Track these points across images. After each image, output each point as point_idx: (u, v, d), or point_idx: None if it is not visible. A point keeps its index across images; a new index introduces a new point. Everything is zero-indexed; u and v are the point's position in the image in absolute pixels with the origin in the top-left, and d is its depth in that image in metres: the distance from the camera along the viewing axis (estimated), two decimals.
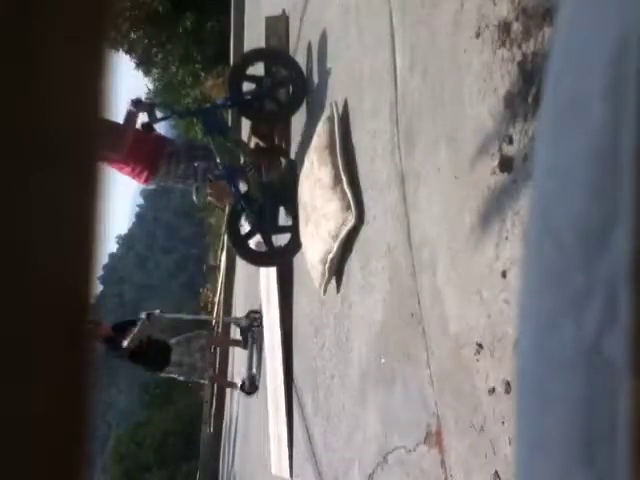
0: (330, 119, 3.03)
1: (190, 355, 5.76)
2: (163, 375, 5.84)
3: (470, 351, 1.59)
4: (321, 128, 3.07)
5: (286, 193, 3.90)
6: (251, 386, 6.11)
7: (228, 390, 9.62)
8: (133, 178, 4.11)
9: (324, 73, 3.70)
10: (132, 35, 13.51)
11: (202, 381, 6.26)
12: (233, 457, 8.07)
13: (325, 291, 3.09)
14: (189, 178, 4.16)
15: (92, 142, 0.21)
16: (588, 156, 0.23)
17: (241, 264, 8.69)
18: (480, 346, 1.54)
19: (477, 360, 1.56)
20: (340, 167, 2.81)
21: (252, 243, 4.28)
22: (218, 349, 7.45)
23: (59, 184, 0.21)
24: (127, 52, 14.38)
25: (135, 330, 5.44)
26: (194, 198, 4.18)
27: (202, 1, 12.75)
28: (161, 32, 13.41)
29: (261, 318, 5.74)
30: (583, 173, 0.23)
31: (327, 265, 2.92)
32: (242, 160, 4.09)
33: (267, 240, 4.11)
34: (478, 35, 1.66)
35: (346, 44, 3.17)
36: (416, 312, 2.00)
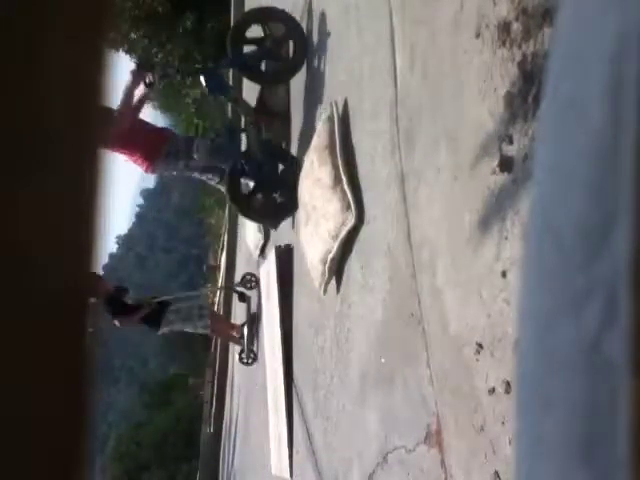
0: (330, 119, 3.03)
1: (189, 309, 5.82)
2: (164, 329, 5.82)
3: (470, 351, 1.59)
4: (321, 128, 3.07)
5: (284, 151, 4.04)
6: (250, 354, 6.20)
7: (228, 390, 9.61)
8: (138, 166, 4.17)
9: (324, 73, 3.70)
10: (132, 35, 13.50)
11: (202, 331, 6.21)
12: (233, 457, 8.07)
13: (325, 291, 3.09)
14: (208, 172, 4.25)
15: (92, 141, 0.21)
16: (588, 156, 0.23)
17: (241, 264, 8.69)
18: (480, 346, 1.54)
19: (477, 360, 1.56)
20: (340, 167, 2.81)
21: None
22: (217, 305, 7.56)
23: (59, 184, 0.21)
24: (127, 52, 14.37)
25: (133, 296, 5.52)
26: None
27: (202, 1, 12.74)
28: (161, 32, 13.40)
29: (257, 280, 5.96)
30: (583, 173, 0.23)
31: (327, 265, 2.92)
32: (242, 119, 4.18)
33: (268, 196, 4.16)
34: (478, 35, 1.66)
35: (346, 44, 3.17)
36: (416, 312, 2.00)
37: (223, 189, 4.33)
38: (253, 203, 4.25)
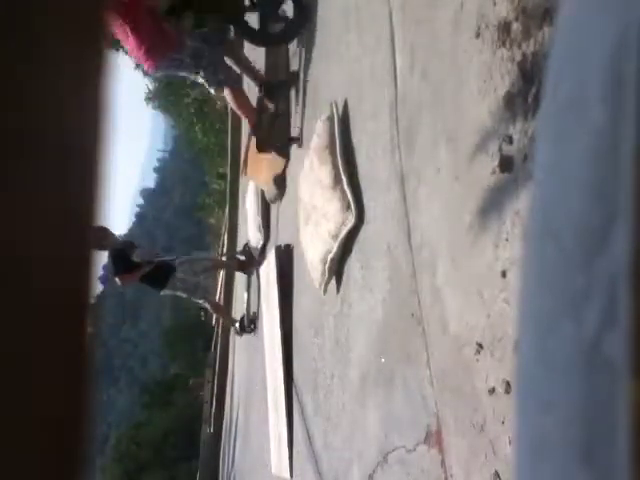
0: (330, 119, 3.03)
1: (194, 275, 5.92)
2: (167, 292, 5.94)
3: (470, 351, 1.59)
4: (321, 128, 3.07)
5: None
6: (250, 324, 6.32)
7: (228, 390, 9.61)
8: (137, 58, 4.22)
9: (324, 73, 3.70)
10: None
11: (202, 302, 6.37)
12: (233, 457, 8.07)
13: (325, 291, 3.09)
14: (197, 67, 4.27)
15: (92, 141, 0.21)
16: (588, 156, 0.23)
17: None
18: (480, 346, 1.54)
19: (477, 360, 1.56)
20: (340, 167, 2.81)
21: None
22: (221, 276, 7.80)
23: (58, 184, 0.21)
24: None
25: (140, 251, 5.59)
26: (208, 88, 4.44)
27: (202, 1, 12.73)
28: None
29: (256, 250, 6.12)
30: (583, 173, 0.23)
31: (327, 265, 2.92)
32: None
33: (276, 19, 4.26)
34: (478, 35, 1.66)
35: (346, 44, 3.17)
36: (416, 312, 2.00)
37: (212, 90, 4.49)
38: (269, 32, 4.29)
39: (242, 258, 6.72)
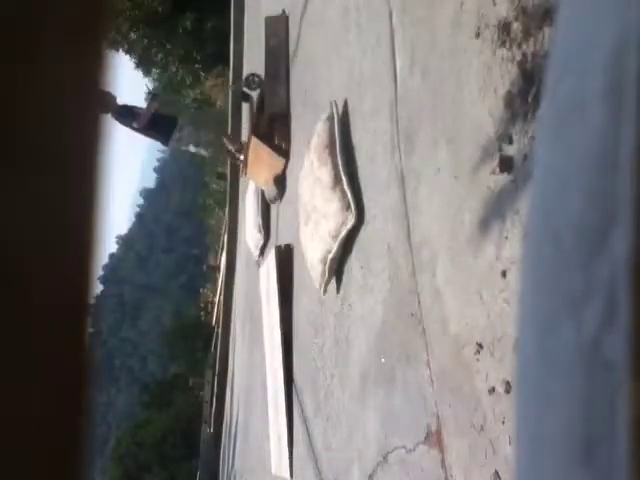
0: (330, 119, 3.03)
1: (199, 137, 6.38)
2: (175, 144, 6.32)
3: (470, 351, 1.59)
4: (321, 128, 3.06)
5: None
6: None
7: (228, 390, 9.60)
8: None
9: (324, 73, 3.70)
10: (132, 35, 13.49)
11: (204, 153, 6.66)
12: (233, 457, 8.07)
13: (325, 291, 3.09)
14: None
15: (92, 142, 0.21)
16: (588, 156, 0.23)
17: (241, 264, 8.69)
18: (480, 346, 1.54)
19: (477, 360, 1.56)
20: (340, 167, 2.81)
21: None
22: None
23: (58, 185, 0.21)
24: (127, 52, 14.36)
25: (144, 109, 6.12)
26: None
27: (202, 1, 12.73)
28: (161, 32, 13.39)
29: (260, 80, 6.19)
30: (583, 173, 0.23)
31: (327, 265, 2.92)
32: None
33: None
34: (478, 35, 1.66)
35: (346, 44, 3.17)
36: (416, 312, 2.00)
37: None
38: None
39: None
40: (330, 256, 2.87)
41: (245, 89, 5.52)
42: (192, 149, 6.78)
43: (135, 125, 6.15)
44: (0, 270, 0.19)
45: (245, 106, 7.58)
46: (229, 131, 9.64)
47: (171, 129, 6.37)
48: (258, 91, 5.38)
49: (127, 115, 6.07)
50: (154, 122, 6.25)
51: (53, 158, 0.20)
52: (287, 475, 3.86)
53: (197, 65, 13.90)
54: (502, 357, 1.45)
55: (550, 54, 0.28)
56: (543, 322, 0.25)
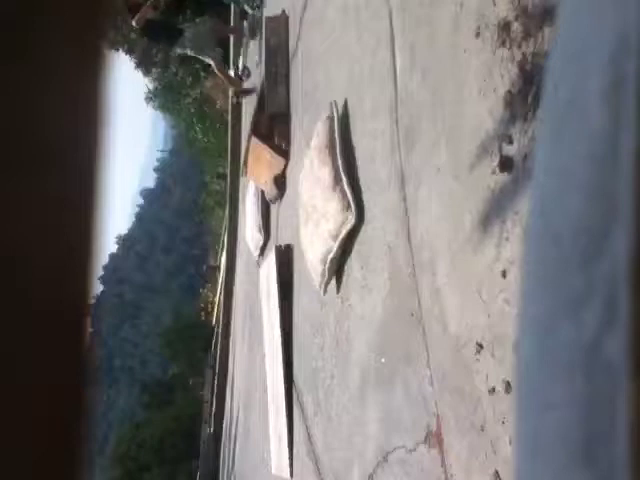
0: (330, 119, 3.03)
1: (201, 36, 6.62)
2: (177, 51, 6.68)
3: (470, 351, 1.59)
4: (321, 128, 3.07)
5: None
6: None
7: (228, 390, 9.61)
8: None
9: (324, 73, 3.70)
10: (132, 35, 13.49)
11: (209, 61, 6.88)
12: (233, 457, 8.07)
13: (325, 291, 3.09)
14: None
15: (91, 142, 0.21)
16: (588, 156, 0.23)
17: (241, 264, 8.69)
18: (480, 346, 1.54)
19: (477, 360, 1.56)
20: (340, 167, 2.81)
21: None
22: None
23: (58, 185, 0.21)
24: (127, 52, 14.37)
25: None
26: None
27: (202, 1, 12.73)
28: None
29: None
30: (583, 173, 0.23)
31: (327, 265, 2.92)
32: None
33: None
34: (478, 35, 1.66)
35: (346, 44, 3.17)
36: (416, 312, 2.00)
37: None
38: None
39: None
40: (330, 256, 2.87)
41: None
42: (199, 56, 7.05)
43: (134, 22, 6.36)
44: (0, 270, 0.19)
45: (245, 106, 7.71)
46: (229, 130, 9.71)
47: (175, 36, 6.62)
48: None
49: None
50: (158, 28, 6.50)
51: (53, 158, 0.20)
52: (287, 475, 3.86)
53: (197, 65, 13.90)
54: (502, 357, 1.45)
55: (550, 54, 0.28)
56: (543, 322, 0.25)
